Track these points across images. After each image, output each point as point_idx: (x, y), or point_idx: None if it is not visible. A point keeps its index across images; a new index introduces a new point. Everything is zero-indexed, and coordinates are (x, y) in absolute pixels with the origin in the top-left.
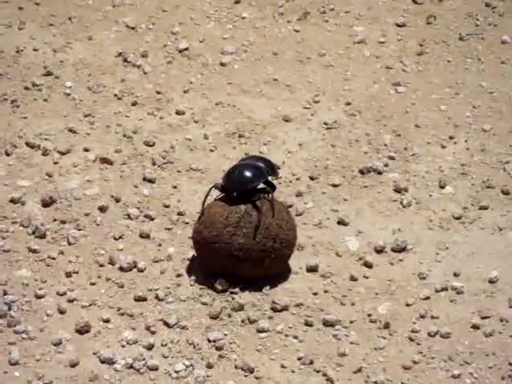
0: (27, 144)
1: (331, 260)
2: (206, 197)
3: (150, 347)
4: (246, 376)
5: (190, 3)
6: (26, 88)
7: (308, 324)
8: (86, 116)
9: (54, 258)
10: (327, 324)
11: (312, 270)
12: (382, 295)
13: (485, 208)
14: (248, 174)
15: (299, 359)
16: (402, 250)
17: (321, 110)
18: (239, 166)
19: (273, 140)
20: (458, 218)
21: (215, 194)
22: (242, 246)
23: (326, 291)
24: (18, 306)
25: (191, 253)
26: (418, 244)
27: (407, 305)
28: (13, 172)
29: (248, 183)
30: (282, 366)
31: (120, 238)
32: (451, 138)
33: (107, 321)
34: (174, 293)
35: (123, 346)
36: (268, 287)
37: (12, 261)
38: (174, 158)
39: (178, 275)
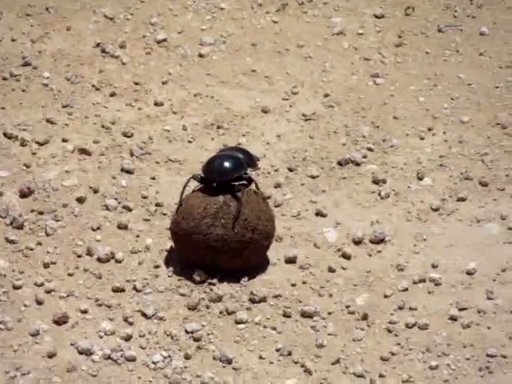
0: (5, 135)
1: (309, 251)
2: (184, 188)
3: (127, 338)
4: (224, 367)
5: None
6: (4, 78)
7: (286, 315)
8: (64, 107)
9: (31, 249)
10: (305, 315)
11: (290, 261)
12: (360, 286)
13: (463, 200)
14: (227, 164)
15: (277, 350)
16: (380, 241)
17: (299, 102)
18: (219, 157)
19: (251, 131)
20: (435, 210)
21: (193, 185)
22: (221, 237)
23: (304, 282)
24: None
25: (169, 244)
26: (396, 235)
27: (385, 296)
28: None
29: (228, 174)
30: (261, 357)
31: (98, 228)
32: (429, 129)
33: (85, 311)
34: (151, 284)
35: (101, 337)
36: (246, 278)
37: None
38: (153, 149)
39: (156, 266)
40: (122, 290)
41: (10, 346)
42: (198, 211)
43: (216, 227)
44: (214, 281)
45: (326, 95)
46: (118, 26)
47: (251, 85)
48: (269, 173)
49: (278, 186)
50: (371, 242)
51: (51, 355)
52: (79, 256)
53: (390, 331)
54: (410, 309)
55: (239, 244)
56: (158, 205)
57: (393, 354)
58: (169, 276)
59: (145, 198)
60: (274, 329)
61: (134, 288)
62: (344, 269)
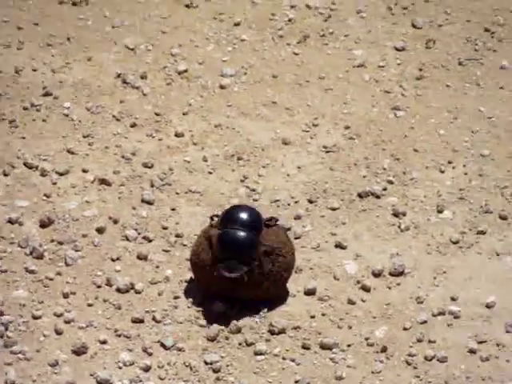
0: (25, 164)
1: (329, 283)
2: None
3: (146, 369)
4: None
5: (189, 25)
6: (25, 108)
7: (305, 347)
8: (84, 137)
9: (51, 279)
10: (324, 347)
11: (310, 293)
12: (380, 319)
13: (482, 233)
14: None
15: (296, 382)
16: (400, 273)
17: (320, 134)
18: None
19: (272, 163)
20: (455, 243)
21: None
22: None
23: (323, 314)
24: (15, 326)
25: (189, 275)
26: (416, 268)
27: (404, 329)
28: (11, 192)
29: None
30: None
31: (117, 259)
32: (450, 162)
33: (104, 342)
34: (171, 315)
35: (120, 368)
36: (266, 310)
37: (9, 281)
38: (173, 180)
39: (176, 297)
40: (142, 321)
41: (29, 376)
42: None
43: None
44: (234, 312)
45: (347, 127)
46: (139, 57)
47: (272, 116)
48: (289, 204)
49: (297, 217)
50: (391, 274)
51: None
52: (99, 286)
53: (408, 364)
54: (429, 341)
55: (259, 275)
56: (177, 236)
57: None
58: (188, 307)
59: (165, 228)
60: (293, 360)
61: (154, 319)
62: (363, 301)
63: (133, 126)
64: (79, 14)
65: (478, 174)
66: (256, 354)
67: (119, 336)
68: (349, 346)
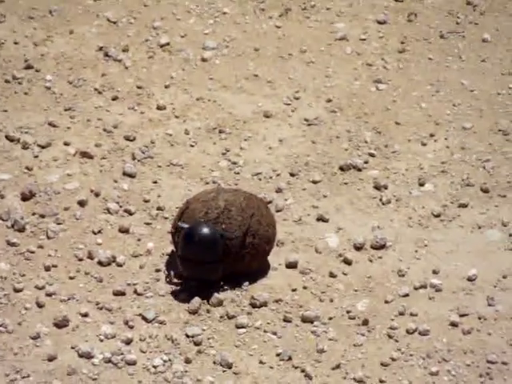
0: (7, 137)
1: (310, 256)
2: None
3: (128, 342)
4: (224, 371)
5: None
6: (7, 81)
7: (287, 320)
8: (66, 110)
9: (32, 252)
10: (306, 320)
11: (291, 266)
12: (361, 292)
13: (464, 206)
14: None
15: (278, 355)
16: (382, 247)
17: (301, 107)
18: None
19: (253, 136)
20: (437, 216)
21: (196, 190)
22: None
23: (304, 287)
24: None
25: (170, 248)
26: (398, 241)
27: (386, 302)
28: None
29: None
30: (261, 362)
31: (99, 232)
32: (431, 135)
33: (86, 315)
34: (152, 287)
35: (101, 341)
36: (247, 283)
37: None
38: (154, 152)
39: (157, 270)
40: (123, 294)
41: (10, 348)
42: (199, 216)
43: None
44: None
45: (329, 100)
46: (121, 30)
47: (253, 89)
48: (270, 177)
49: (279, 190)
50: (372, 247)
51: (51, 358)
52: (80, 259)
53: (390, 337)
54: (411, 315)
55: (240, 249)
56: (159, 209)
57: (393, 360)
58: (166, 281)
59: (146, 201)
60: (275, 333)
61: (135, 292)
62: (345, 274)
63: (114, 99)
64: None
65: (460, 147)
66: (237, 327)
67: (101, 309)
68: (330, 318)
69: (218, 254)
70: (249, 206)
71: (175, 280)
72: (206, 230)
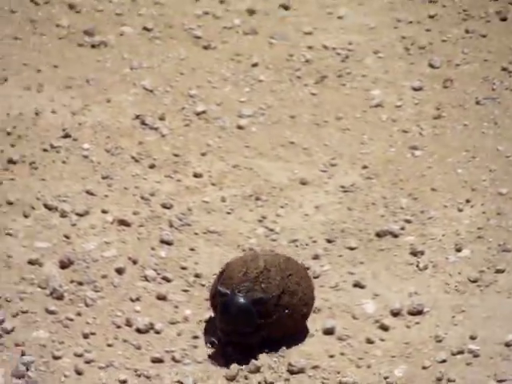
0: (45, 206)
1: (348, 322)
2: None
3: None
4: None
5: (207, 66)
6: (45, 150)
7: None
8: (103, 178)
9: (71, 320)
10: None
11: (328, 332)
12: (399, 358)
13: (501, 271)
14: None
15: None
16: (419, 312)
17: (337, 173)
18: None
19: (290, 203)
20: (474, 282)
21: (231, 255)
22: None
23: (342, 354)
24: (36, 366)
25: (207, 314)
26: (435, 307)
27: (423, 368)
28: (31, 234)
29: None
30: None
31: (137, 299)
32: (468, 201)
33: (124, 382)
34: (190, 354)
35: None
36: (284, 348)
37: (30, 322)
38: (192, 220)
39: (195, 337)
40: (161, 361)
41: None
42: (238, 275)
43: (255, 291)
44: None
45: (365, 167)
46: (158, 98)
47: (289, 156)
48: (307, 244)
49: (316, 257)
50: (409, 313)
51: None
52: (118, 327)
53: None
54: (449, 381)
55: (277, 307)
56: (196, 276)
57: None
58: (207, 347)
59: (184, 268)
60: None
61: (173, 359)
62: (382, 340)
63: (151, 166)
64: (98, 56)
65: (496, 213)
66: None
67: (139, 376)
68: None
69: (254, 324)
70: (288, 268)
71: (213, 340)
72: (241, 301)
